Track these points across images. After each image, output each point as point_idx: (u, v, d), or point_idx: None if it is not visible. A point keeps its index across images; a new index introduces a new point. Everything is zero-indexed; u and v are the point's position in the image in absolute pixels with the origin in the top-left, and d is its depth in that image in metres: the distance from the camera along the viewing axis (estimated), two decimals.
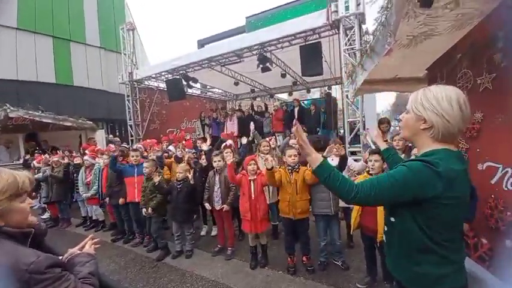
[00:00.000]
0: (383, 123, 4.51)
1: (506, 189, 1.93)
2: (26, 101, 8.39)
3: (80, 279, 1.02)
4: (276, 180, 3.01)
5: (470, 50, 2.35)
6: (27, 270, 0.87)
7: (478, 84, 2.26)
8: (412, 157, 1.57)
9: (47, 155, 6.23)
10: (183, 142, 5.80)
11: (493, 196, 2.06)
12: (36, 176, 5.66)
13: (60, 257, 1.14)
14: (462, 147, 2.53)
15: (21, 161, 7.90)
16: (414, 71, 3.39)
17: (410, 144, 3.20)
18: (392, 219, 1.18)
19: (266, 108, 10.58)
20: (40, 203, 6.15)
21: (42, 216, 5.99)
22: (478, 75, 2.25)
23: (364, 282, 2.74)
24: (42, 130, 8.71)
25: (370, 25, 5.62)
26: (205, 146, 4.45)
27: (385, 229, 1.26)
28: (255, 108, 10.56)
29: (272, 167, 2.88)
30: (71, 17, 13.89)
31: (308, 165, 2.92)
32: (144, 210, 3.74)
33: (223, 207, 3.54)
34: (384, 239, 1.30)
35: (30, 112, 7.43)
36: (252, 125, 8.98)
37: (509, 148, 1.91)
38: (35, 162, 6.24)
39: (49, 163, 5.59)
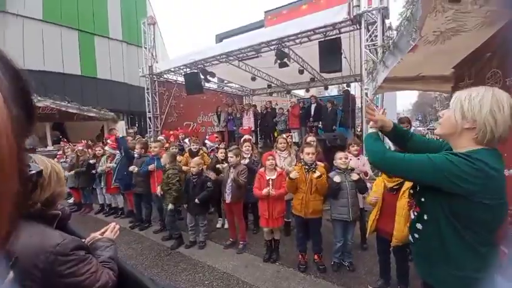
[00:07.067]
0: (403, 123, 4.32)
1: None
2: (53, 91, 8.82)
3: (101, 263, 1.07)
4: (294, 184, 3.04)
5: (500, 49, 2.21)
6: (53, 251, 0.92)
7: (507, 86, 2.13)
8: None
9: (71, 144, 6.57)
10: (196, 136, 5.87)
11: None
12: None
13: (83, 240, 1.20)
14: None
15: (48, 148, 8.39)
16: (440, 69, 3.24)
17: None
18: (425, 218, 1.18)
19: (271, 107, 9.88)
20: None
21: (69, 201, 6.31)
22: (508, 75, 2.11)
23: (377, 285, 2.69)
24: (68, 120, 9.17)
25: (394, 20, 5.41)
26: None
27: (416, 236, 1.25)
28: (263, 111, 9.96)
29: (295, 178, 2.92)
30: (95, 11, 14.38)
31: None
32: (165, 205, 3.87)
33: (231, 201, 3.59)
34: (414, 245, 1.28)
35: (57, 102, 7.83)
36: None
37: None
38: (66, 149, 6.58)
39: (75, 151, 5.89)
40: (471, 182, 0.99)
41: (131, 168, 4.41)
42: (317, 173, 2.90)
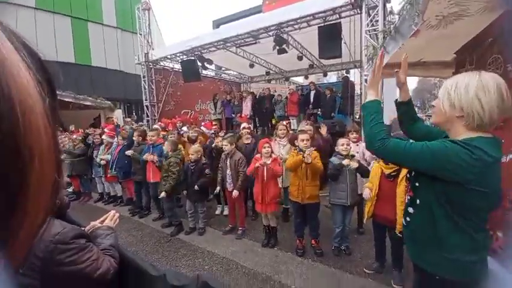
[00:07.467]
0: None
1: None
2: None
3: (102, 251, 1.08)
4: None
5: (501, 34, 2.17)
6: (53, 240, 0.92)
7: (508, 71, 2.10)
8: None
9: (68, 133, 6.51)
10: (195, 124, 5.88)
11: None
12: None
13: (83, 229, 1.21)
14: None
15: None
16: (441, 55, 3.20)
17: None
18: (418, 202, 1.20)
19: (269, 93, 9.79)
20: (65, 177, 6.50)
21: (68, 190, 6.33)
22: (509, 61, 2.08)
23: (372, 268, 2.77)
24: (63, 109, 9.04)
25: (395, 4, 5.27)
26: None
27: (408, 219, 1.27)
28: (261, 94, 9.95)
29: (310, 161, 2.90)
30: None
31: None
32: (160, 192, 3.88)
33: (233, 191, 3.62)
34: (406, 228, 1.30)
35: None
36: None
37: None
38: (63, 137, 6.50)
39: (71, 139, 5.86)
40: (469, 171, 0.99)
41: (128, 152, 4.44)
42: (308, 159, 2.88)
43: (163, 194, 3.76)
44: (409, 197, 1.29)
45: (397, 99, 1.48)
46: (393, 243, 2.59)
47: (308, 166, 2.95)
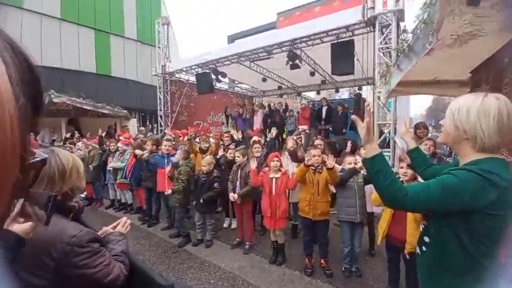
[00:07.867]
0: (419, 129, 4.21)
1: None
2: (69, 88, 9.08)
3: (113, 256, 1.10)
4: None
5: None
6: (69, 242, 0.95)
7: None
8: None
9: (85, 140, 6.73)
10: (210, 134, 5.97)
11: None
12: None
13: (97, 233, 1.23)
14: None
15: (62, 143, 8.62)
16: (457, 74, 3.16)
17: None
18: (432, 231, 1.15)
19: (287, 107, 10.47)
20: None
21: (81, 195, 6.47)
22: None
23: None
24: (82, 116, 9.42)
25: (409, 23, 5.32)
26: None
27: (424, 249, 1.22)
28: (272, 108, 10.52)
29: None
30: (111, 11, 14.71)
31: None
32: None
33: (239, 198, 3.62)
34: (420, 258, 1.26)
35: (72, 98, 8.07)
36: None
37: None
38: (80, 143, 6.71)
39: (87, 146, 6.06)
40: (484, 197, 0.96)
41: (137, 151, 4.58)
42: (330, 163, 2.83)
43: (169, 191, 3.90)
44: (423, 226, 1.26)
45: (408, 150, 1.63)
46: (408, 267, 2.46)
47: (329, 173, 2.90)
